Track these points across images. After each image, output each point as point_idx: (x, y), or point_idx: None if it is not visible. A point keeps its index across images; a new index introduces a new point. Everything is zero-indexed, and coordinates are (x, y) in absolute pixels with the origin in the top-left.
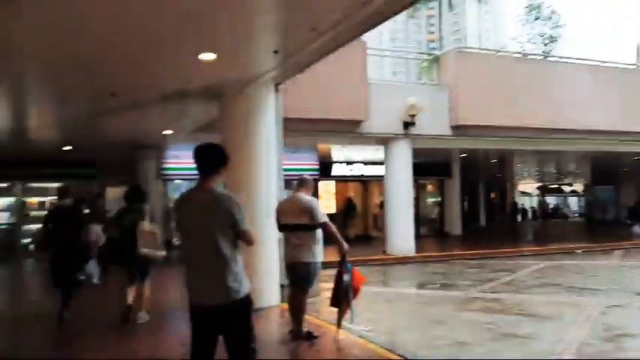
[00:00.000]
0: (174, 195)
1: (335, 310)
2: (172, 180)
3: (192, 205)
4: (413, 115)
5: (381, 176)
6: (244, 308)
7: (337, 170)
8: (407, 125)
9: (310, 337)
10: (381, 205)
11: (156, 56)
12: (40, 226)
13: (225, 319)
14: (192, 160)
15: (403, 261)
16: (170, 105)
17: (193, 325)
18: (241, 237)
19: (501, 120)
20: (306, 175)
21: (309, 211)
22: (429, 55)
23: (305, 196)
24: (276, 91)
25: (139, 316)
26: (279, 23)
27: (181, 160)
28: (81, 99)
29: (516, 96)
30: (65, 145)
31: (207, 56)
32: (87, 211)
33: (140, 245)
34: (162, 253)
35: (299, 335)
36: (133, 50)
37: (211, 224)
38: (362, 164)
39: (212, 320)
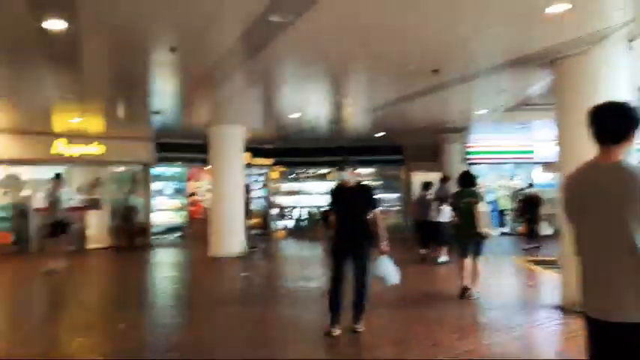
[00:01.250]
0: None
1: None
2: (477, 164)
3: (590, 184)
4: None
5: None
6: None
7: None
8: None
9: None
10: None
11: (493, 21)
12: None
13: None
14: (594, 124)
15: None
16: (493, 77)
17: (590, 342)
18: None
19: None
20: None
21: None
22: None
23: None
24: (630, 48)
25: (472, 293)
26: None
27: (486, 144)
28: (401, 80)
29: None
30: (377, 132)
31: (559, 8)
32: (432, 195)
33: (479, 225)
34: (497, 231)
35: None
36: (464, 21)
37: (621, 211)
38: None
39: (618, 342)
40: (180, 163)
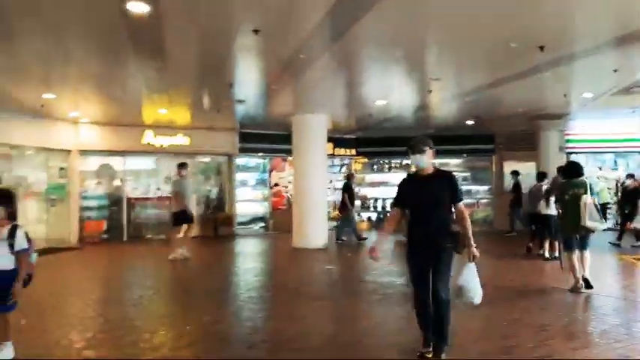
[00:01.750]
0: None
1: None
2: (576, 153)
3: None
4: None
5: None
6: None
7: None
8: None
9: None
10: None
11: None
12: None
13: None
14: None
15: None
16: (605, 55)
17: None
18: None
19: None
20: None
21: None
22: None
23: None
24: None
25: (580, 287)
26: None
27: (587, 131)
28: (500, 60)
29: None
30: (467, 120)
31: None
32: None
33: (585, 217)
34: (604, 224)
35: None
36: None
37: None
38: None
39: None
40: (262, 153)
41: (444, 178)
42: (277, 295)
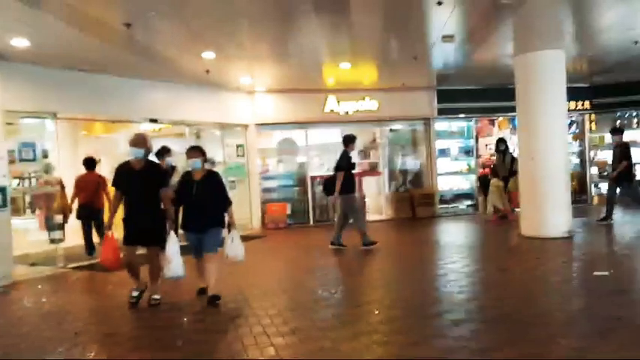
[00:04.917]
0: None
1: None
2: None
3: None
4: None
5: None
6: None
7: None
8: None
9: None
10: None
11: None
12: None
13: None
14: None
15: None
16: None
17: None
18: None
19: None
20: None
21: None
22: None
23: None
24: None
25: None
26: None
27: None
28: None
29: None
30: None
31: None
32: None
33: None
34: None
35: None
36: None
37: None
38: None
39: None
40: (464, 115)
41: None
42: (514, 315)
